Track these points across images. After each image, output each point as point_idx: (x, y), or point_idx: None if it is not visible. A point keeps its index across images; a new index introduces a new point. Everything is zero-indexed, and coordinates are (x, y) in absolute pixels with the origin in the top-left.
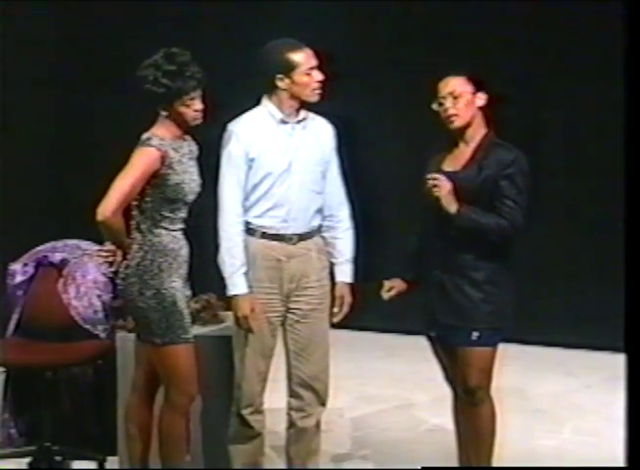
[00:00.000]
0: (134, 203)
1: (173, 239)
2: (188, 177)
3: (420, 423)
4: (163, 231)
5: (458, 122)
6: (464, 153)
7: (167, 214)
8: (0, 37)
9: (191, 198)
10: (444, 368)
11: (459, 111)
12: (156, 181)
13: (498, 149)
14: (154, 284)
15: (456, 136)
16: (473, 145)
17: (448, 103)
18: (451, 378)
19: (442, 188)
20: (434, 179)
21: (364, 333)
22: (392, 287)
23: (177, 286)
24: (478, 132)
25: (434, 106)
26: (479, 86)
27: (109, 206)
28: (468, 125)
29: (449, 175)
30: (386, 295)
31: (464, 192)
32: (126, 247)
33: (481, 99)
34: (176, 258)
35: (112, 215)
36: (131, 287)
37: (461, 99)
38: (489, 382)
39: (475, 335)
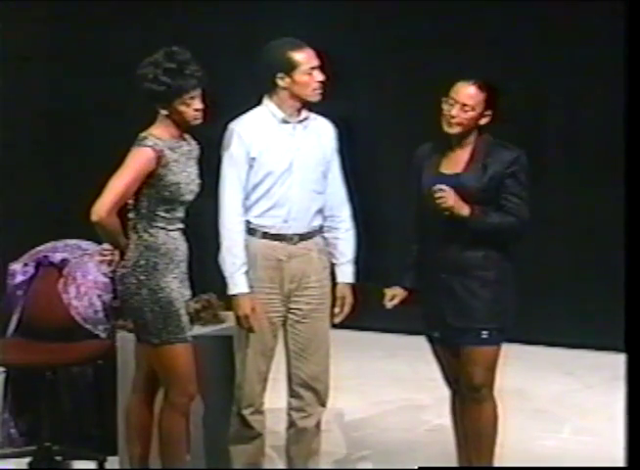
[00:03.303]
0: (130, 203)
1: (170, 239)
2: (185, 177)
3: (420, 423)
4: (160, 231)
5: (456, 129)
6: (462, 154)
7: (164, 214)
8: None
9: (188, 198)
10: (443, 368)
11: (462, 120)
12: (151, 181)
13: (499, 148)
14: (149, 284)
15: (451, 138)
16: (469, 147)
17: (455, 110)
18: (450, 378)
19: (449, 198)
20: (439, 191)
21: (365, 333)
22: (395, 295)
23: (173, 286)
24: (472, 134)
25: (444, 101)
26: (490, 105)
27: (103, 206)
28: (469, 132)
29: (453, 178)
30: (389, 304)
31: (468, 193)
32: (123, 247)
33: (486, 118)
34: (173, 257)
35: (106, 216)
36: (128, 287)
37: (469, 112)
38: (493, 380)
39: (484, 334)
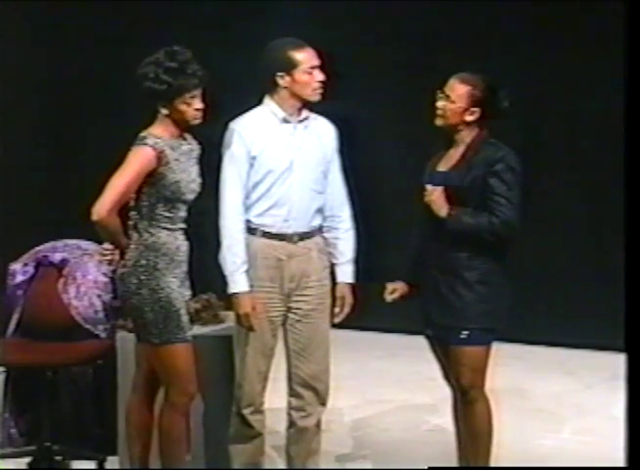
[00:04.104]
0: (131, 202)
1: (171, 238)
2: (186, 176)
3: (420, 423)
4: (161, 230)
5: (439, 122)
6: (456, 153)
7: (165, 214)
8: None
9: (189, 197)
10: (442, 367)
11: (445, 112)
12: (152, 180)
13: (487, 147)
14: (150, 283)
15: (450, 136)
16: (464, 145)
17: (441, 101)
18: (450, 377)
19: (430, 194)
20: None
21: (365, 333)
22: (395, 289)
23: (174, 285)
24: (470, 133)
25: (438, 93)
26: (477, 102)
27: (103, 205)
28: (456, 126)
29: (441, 176)
30: (389, 297)
31: (455, 192)
32: (124, 246)
33: (472, 115)
34: (174, 257)
35: (106, 215)
36: (128, 286)
37: (452, 105)
38: (483, 381)
39: (464, 334)
